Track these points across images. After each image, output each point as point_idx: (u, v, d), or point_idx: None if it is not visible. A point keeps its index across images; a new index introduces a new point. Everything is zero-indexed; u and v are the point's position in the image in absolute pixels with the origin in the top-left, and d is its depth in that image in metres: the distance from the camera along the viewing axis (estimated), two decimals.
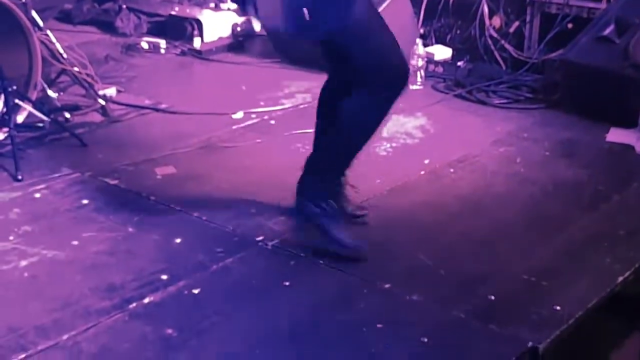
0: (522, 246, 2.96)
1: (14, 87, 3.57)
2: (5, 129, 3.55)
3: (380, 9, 4.62)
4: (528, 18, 4.82)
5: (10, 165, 3.41)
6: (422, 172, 3.55)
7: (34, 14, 4.17)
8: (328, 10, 2.54)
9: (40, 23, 4.18)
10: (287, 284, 2.68)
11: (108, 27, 5.50)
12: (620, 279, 2.73)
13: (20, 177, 3.37)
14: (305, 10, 2.50)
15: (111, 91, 4.33)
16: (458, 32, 5.11)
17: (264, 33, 4.99)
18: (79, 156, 3.66)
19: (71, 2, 5.65)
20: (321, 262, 2.80)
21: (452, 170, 3.58)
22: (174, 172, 3.53)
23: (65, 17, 5.60)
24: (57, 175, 3.45)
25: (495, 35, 4.89)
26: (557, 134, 4.00)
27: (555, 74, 4.42)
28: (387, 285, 2.67)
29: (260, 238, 2.95)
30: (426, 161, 3.64)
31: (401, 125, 4.04)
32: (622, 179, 3.51)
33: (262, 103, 4.29)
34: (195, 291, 2.62)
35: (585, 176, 3.55)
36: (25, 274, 2.71)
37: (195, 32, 5.23)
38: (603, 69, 4.11)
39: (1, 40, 3.63)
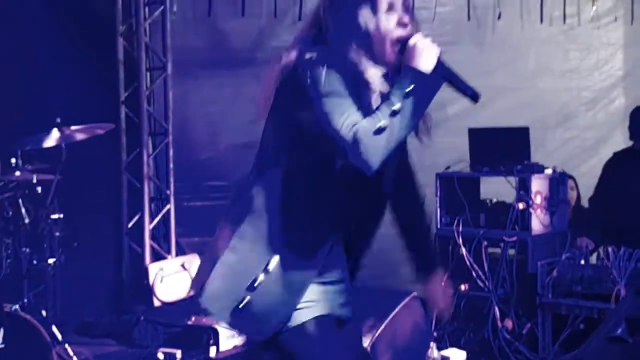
0: None
1: None
2: None
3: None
4: (540, 320, 4.88)
5: None
6: None
7: (54, 328, 4.29)
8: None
9: (59, 337, 4.29)
10: None
11: (126, 338, 5.58)
12: None
13: None
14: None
15: None
16: (471, 335, 5.15)
17: None
18: None
19: (91, 315, 5.80)
20: None
21: None
22: None
23: (85, 329, 5.71)
24: None
25: (508, 337, 4.92)
26: None
27: None
28: None
29: None
30: None
31: None
32: None
33: None
34: None
35: None
36: None
37: (211, 341, 5.29)
38: None
39: (20, 353, 3.69)
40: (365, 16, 2.40)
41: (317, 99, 2.33)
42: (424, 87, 2.30)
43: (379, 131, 2.25)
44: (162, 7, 6.34)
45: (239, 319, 2.43)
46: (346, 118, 2.28)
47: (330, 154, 2.37)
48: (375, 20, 2.40)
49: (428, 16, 7.02)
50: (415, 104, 2.28)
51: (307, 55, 2.38)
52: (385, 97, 2.33)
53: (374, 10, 2.40)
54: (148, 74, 6.38)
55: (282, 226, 2.43)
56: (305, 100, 2.35)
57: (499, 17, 7.31)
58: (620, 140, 6.88)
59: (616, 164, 5.37)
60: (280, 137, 2.48)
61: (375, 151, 2.26)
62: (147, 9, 6.33)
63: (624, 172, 5.25)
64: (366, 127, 2.25)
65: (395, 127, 2.26)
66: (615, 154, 5.44)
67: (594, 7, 7.54)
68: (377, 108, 2.31)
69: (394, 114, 2.26)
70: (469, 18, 7.22)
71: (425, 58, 2.33)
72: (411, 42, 2.36)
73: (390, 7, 2.42)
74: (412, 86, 2.28)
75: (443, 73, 2.36)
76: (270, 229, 2.43)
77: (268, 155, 2.50)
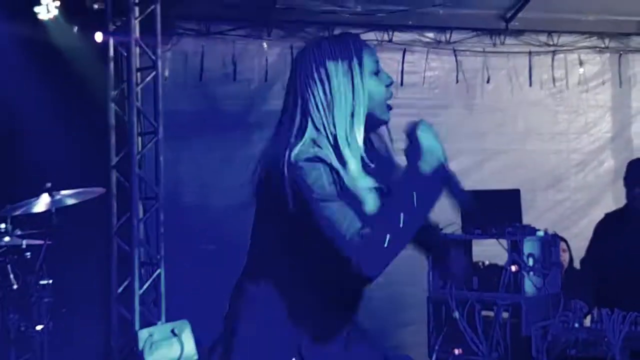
0: None
1: None
2: None
3: None
4: None
5: None
6: None
7: None
8: None
9: None
10: None
11: None
12: None
13: None
14: None
15: None
16: None
17: None
18: None
19: None
20: None
21: None
22: None
23: None
24: None
25: None
26: None
27: None
28: None
29: None
30: None
31: None
32: None
33: None
34: None
35: None
36: None
37: None
38: None
39: None
40: (359, 83, 2.32)
41: (314, 203, 2.23)
42: (427, 194, 2.23)
43: (385, 241, 2.16)
44: (153, 73, 6.38)
45: None
46: (349, 225, 2.20)
47: (327, 256, 2.26)
48: (371, 85, 2.35)
49: (417, 80, 7.11)
50: (419, 212, 2.23)
51: (294, 153, 2.26)
52: (392, 207, 2.23)
53: (369, 73, 2.34)
54: (139, 138, 6.40)
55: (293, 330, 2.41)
56: (299, 202, 2.25)
57: (488, 81, 7.40)
58: (611, 202, 6.91)
59: (608, 225, 5.37)
60: (273, 240, 2.42)
61: (380, 261, 2.20)
62: (138, 74, 6.37)
63: (615, 233, 5.24)
64: (374, 238, 2.17)
65: (402, 237, 2.21)
66: (607, 215, 5.45)
67: (582, 71, 7.63)
68: (385, 214, 2.23)
69: (399, 223, 2.18)
70: (457, 81, 7.30)
71: (429, 157, 2.24)
72: (417, 132, 2.26)
73: (379, 69, 2.37)
74: (415, 197, 2.20)
75: (444, 175, 2.29)
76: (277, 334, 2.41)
77: (263, 257, 2.45)
